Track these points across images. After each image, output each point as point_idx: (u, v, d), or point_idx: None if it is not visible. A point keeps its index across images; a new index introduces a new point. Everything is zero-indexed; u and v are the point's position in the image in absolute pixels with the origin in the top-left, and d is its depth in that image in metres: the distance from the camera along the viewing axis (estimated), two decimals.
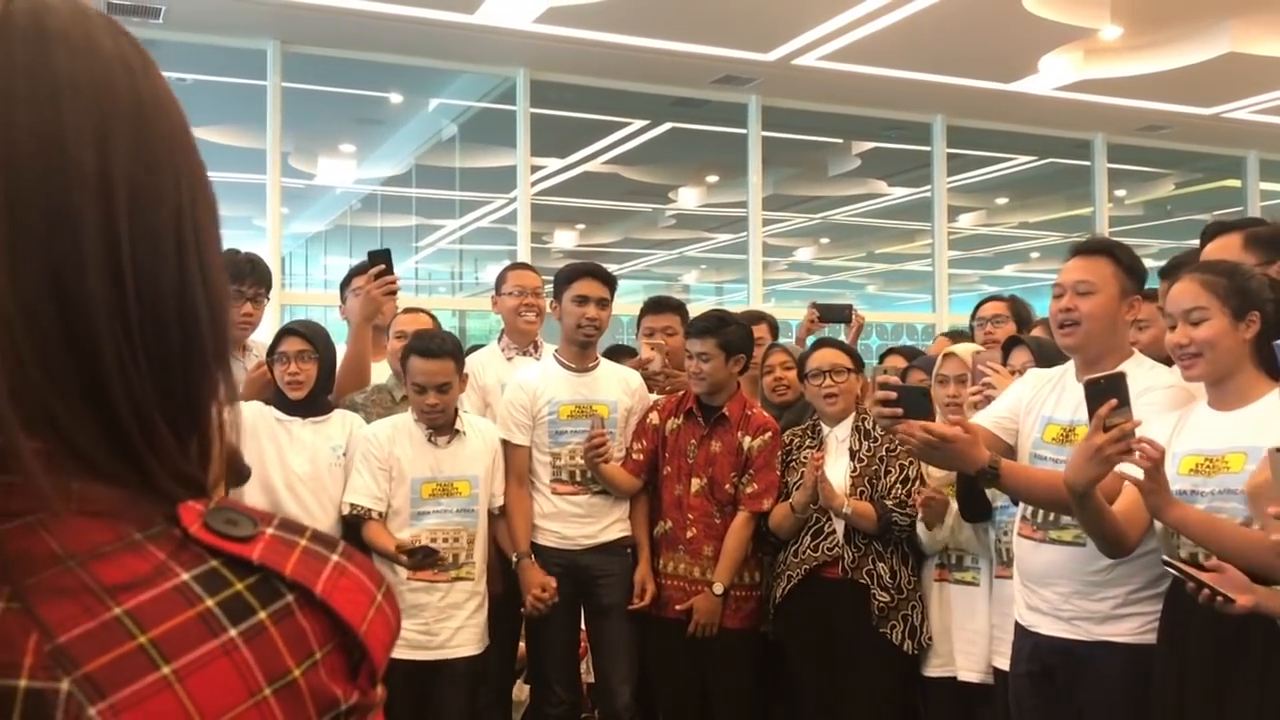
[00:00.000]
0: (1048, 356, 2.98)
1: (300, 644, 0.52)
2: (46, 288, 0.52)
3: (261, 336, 3.81)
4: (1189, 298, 2.33)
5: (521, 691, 4.09)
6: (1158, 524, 2.34)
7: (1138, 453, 2.18)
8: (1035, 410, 2.73)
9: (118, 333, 0.53)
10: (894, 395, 2.41)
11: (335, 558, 0.55)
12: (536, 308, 3.96)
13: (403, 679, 3.37)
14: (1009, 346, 3.35)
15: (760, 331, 4.09)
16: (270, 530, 0.55)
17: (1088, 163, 9.23)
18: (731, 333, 3.59)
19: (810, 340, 4.65)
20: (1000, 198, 10.67)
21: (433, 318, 3.78)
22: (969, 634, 3.29)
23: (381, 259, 3.56)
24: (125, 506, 0.53)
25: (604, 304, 3.67)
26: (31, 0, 0.56)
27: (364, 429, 3.47)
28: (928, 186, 8.85)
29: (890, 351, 4.28)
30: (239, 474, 0.92)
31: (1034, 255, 12.20)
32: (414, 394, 3.39)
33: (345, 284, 3.93)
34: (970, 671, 3.28)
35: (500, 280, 4.01)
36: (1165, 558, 2.24)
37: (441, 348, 3.38)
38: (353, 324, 3.67)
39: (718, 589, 3.49)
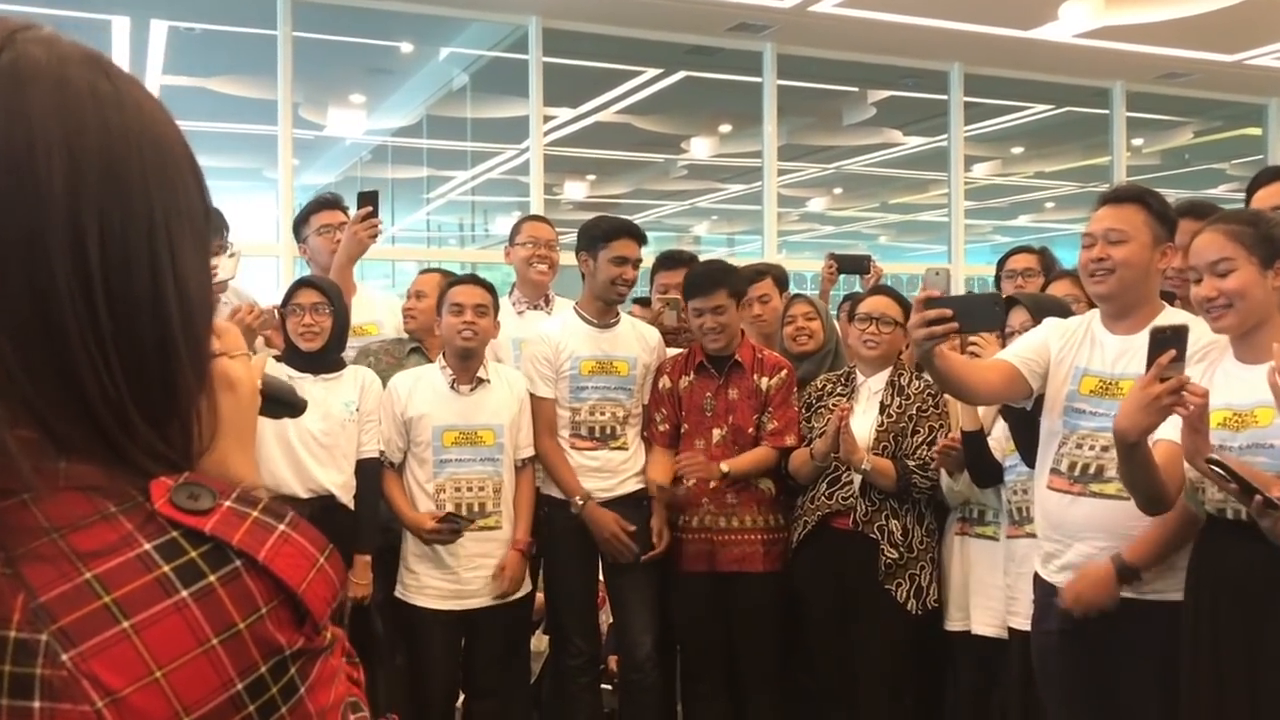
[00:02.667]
0: (1046, 314, 2.94)
1: (246, 601, 0.61)
2: (25, 300, 0.61)
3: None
4: (1214, 249, 2.28)
5: (540, 642, 4.12)
6: (1189, 475, 2.32)
7: (1186, 403, 2.14)
8: (1067, 360, 2.68)
9: (89, 340, 0.63)
10: (946, 311, 2.34)
11: (281, 527, 0.65)
12: (549, 260, 3.96)
13: (441, 629, 3.43)
14: (1006, 307, 3.31)
15: (765, 288, 4.04)
16: (228, 503, 0.64)
17: (1106, 111, 9.11)
18: (736, 278, 3.62)
19: (834, 292, 4.63)
20: (1016, 147, 10.55)
21: (446, 274, 3.79)
22: (988, 589, 3.28)
23: (369, 200, 3.59)
24: (105, 483, 0.63)
25: (638, 264, 3.68)
26: (14, 50, 0.64)
27: (377, 382, 3.48)
28: (944, 136, 8.75)
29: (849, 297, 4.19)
30: (294, 407, 0.97)
31: (1049, 205, 12.09)
32: (451, 317, 3.40)
33: (300, 223, 3.95)
34: (986, 626, 3.28)
35: (514, 231, 4.02)
36: (1212, 456, 2.17)
37: (477, 279, 3.52)
38: (336, 263, 3.67)
39: (724, 467, 3.49)
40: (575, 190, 10.70)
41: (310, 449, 3.31)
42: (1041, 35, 7.59)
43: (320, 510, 3.23)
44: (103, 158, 0.64)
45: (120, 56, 7.62)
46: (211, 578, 0.60)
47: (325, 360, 3.39)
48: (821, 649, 3.52)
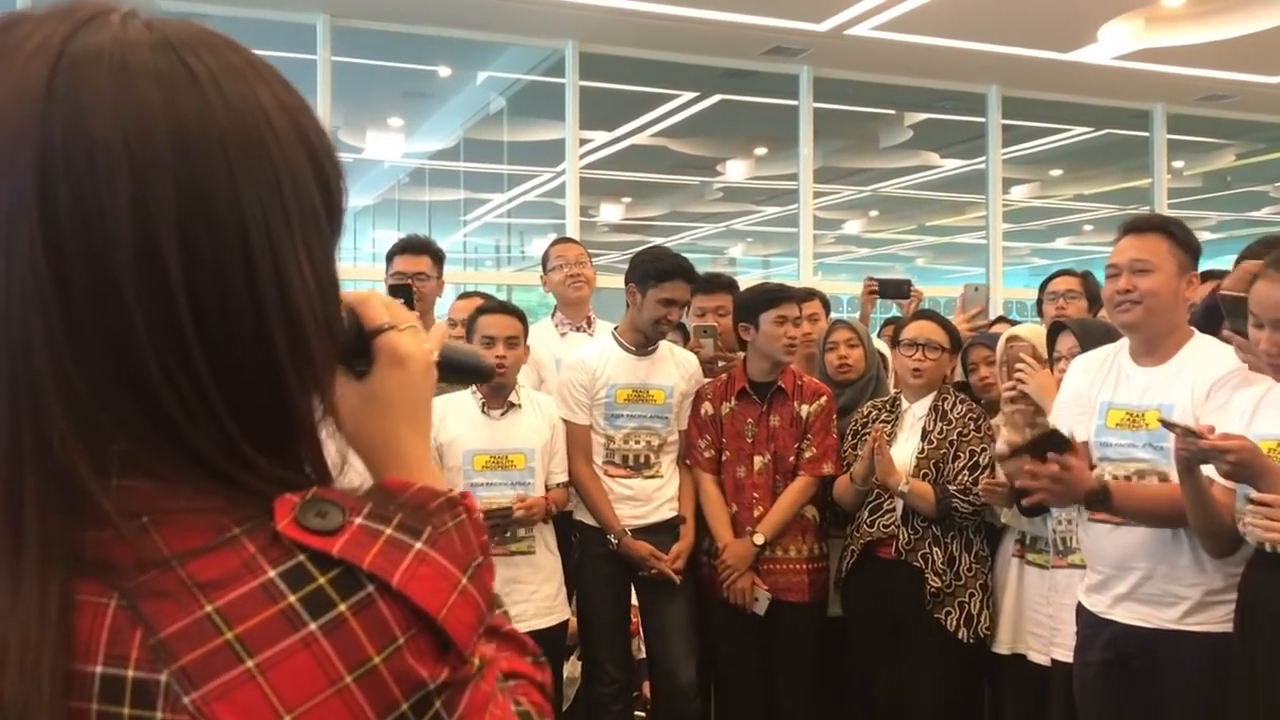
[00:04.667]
0: (1093, 339, 2.90)
1: (382, 632, 0.56)
2: (99, 345, 0.56)
3: None
4: (1278, 307, 2.21)
5: (574, 669, 4.09)
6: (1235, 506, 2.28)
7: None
8: (1094, 398, 2.66)
9: (177, 374, 0.57)
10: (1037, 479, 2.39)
11: (419, 546, 0.59)
12: (583, 276, 4.00)
13: None
14: (1054, 332, 3.28)
15: (815, 308, 4.03)
16: (359, 520, 0.58)
17: (1146, 134, 9.02)
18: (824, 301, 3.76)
19: (874, 316, 4.60)
20: (1054, 169, 10.47)
21: (486, 298, 3.80)
22: (1041, 615, 3.23)
23: (400, 294, 3.56)
24: (228, 505, 0.58)
25: (686, 305, 3.70)
26: (72, 57, 0.58)
27: None
28: (981, 158, 8.69)
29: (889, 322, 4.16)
30: (480, 373, 0.95)
31: (1087, 228, 11.98)
32: (482, 349, 3.38)
33: (387, 260, 3.88)
34: (1040, 654, 3.23)
35: (545, 259, 4.08)
36: (1163, 417, 2.20)
37: (508, 307, 3.50)
38: None
39: (757, 539, 3.48)
40: (611, 212, 10.73)
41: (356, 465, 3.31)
42: (1080, 58, 7.54)
43: None
44: (177, 159, 0.58)
45: None
46: (342, 607, 0.55)
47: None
48: (872, 684, 3.46)
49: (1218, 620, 2.44)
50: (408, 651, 0.56)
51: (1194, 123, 9.17)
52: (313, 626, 0.54)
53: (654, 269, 3.61)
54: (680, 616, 3.58)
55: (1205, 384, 2.45)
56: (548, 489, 3.51)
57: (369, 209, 10.36)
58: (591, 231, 9.00)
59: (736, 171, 10.19)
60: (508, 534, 3.39)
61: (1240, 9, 6.73)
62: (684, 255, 3.70)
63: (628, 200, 11.10)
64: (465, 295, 3.87)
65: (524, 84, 8.36)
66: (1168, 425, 2.20)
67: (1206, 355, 2.55)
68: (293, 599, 0.55)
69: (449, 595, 0.58)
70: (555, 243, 4.11)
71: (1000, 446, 3.22)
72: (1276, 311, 2.18)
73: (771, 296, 3.58)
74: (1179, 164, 9.72)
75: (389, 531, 0.58)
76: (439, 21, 7.02)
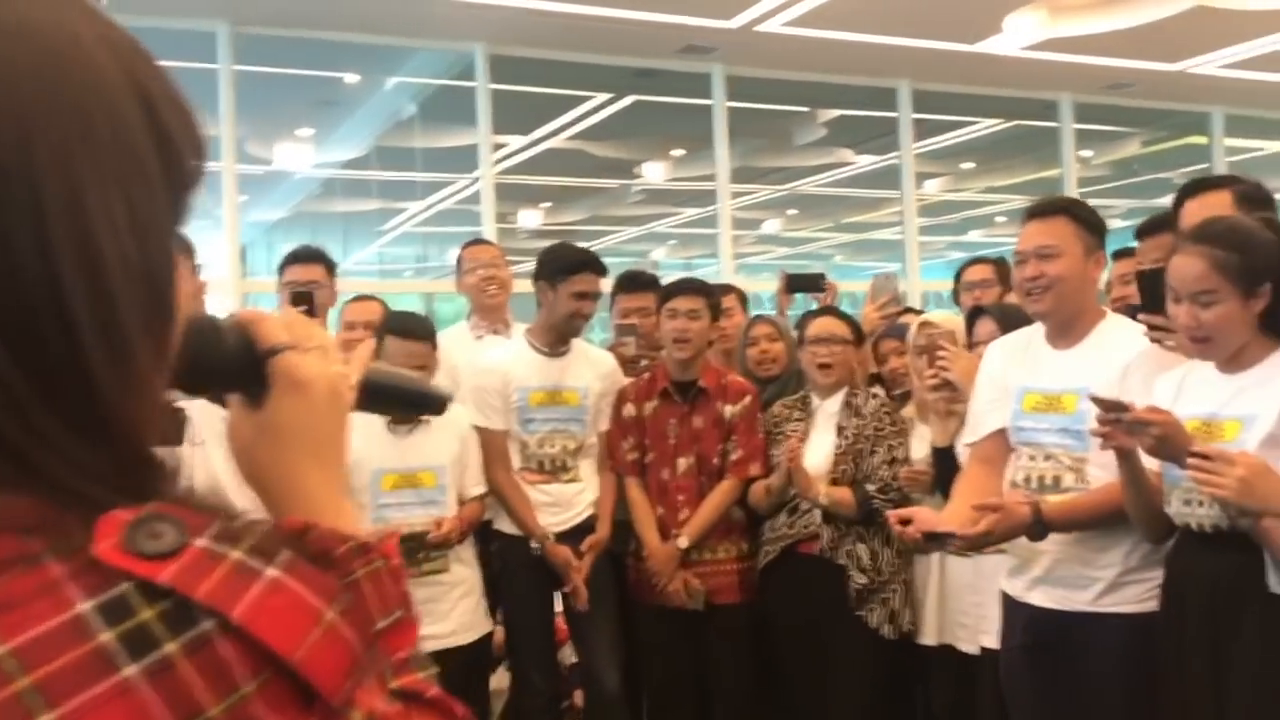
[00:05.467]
0: (1013, 323, 2.90)
1: (221, 678, 0.46)
2: None
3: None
4: (1198, 279, 2.17)
5: (501, 680, 4.00)
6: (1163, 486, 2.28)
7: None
8: (1011, 382, 2.65)
9: None
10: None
11: (271, 572, 0.49)
12: (498, 279, 3.90)
13: None
14: (972, 318, 3.28)
15: (730, 302, 4.00)
16: (200, 541, 0.48)
17: (1055, 124, 9.17)
18: (715, 297, 3.57)
19: (792, 313, 4.57)
20: (966, 162, 10.61)
21: (384, 305, 3.67)
22: (968, 604, 3.22)
23: (304, 300, 3.49)
24: (34, 513, 0.48)
25: (597, 298, 3.60)
26: None
27: None
28: (895, 153, 8.76)
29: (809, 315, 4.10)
30: (426, 404, 0.82)
31: (1000, 219, 12.17)
32: None
33: (279, 270, 3.78)
34: (968, 644, 3.21)
35: (459, 261, 3.98)
36: (1091, 394, 2.19)
37: (421, 329, 3.32)
38: None
39: (681, 542, 3.42)
40: (530, 218, 10.63)
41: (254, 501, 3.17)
42: (988, 49, 7.62)
43: None
44: None
45: None
46: (170, 646, 0.45)
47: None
48: (795, 678, 3.42)
49: (1133, 600, 2.45)
50: (257, 701, 0.46)
51: (1100, 112, 9.34)
52: (131, 670, 0.44)
53: (562, 263, 3.53)
54: (606, 622, 3.52)
55: (1118, 365, 2.45)
56: (462, 503, 3.41)
57: (281, 222, 10.15)
58: (512, 238, 8.90)
59: (655, 173, 10.16)
60: (419, 555, 3.27)
61: None
62: (606, 258, 3.63)
63: (547, 205, 11.01)
64: (359, 298, 3.73)
65: (435, 89, 8.24)
66: (1095, 401, 2.19)
67: (1119, 336, 2.55)
68: (107, 636, 0.44)
69: (309, 631, 0.48)
70: (468, 245, 4.02)
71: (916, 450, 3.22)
72: (1196, 284, 2.17)
73: (666, 290, 3.59)
74: (1087, 153, 9.90)
75: (236, 554, 0.48)
76: (345, 27, 6.87)
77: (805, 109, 9.31)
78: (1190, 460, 2.02)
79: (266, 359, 0.69)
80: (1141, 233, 2.99)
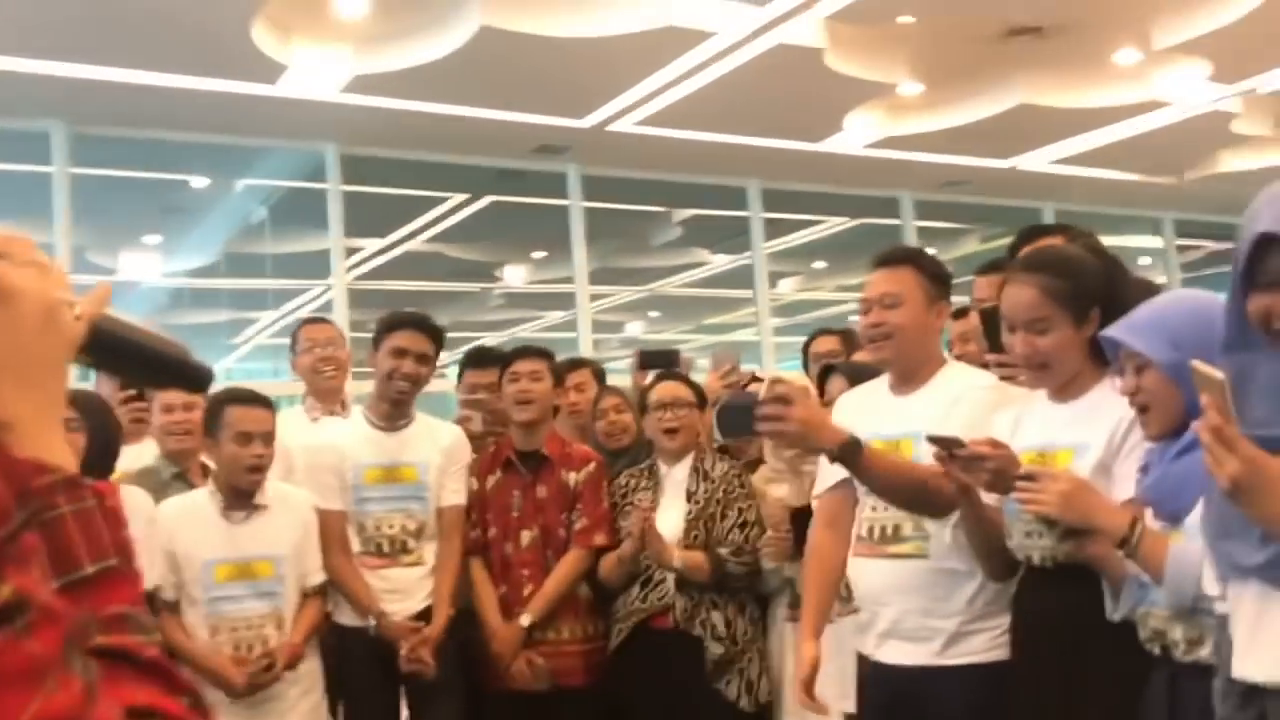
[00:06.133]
0: (863, 379, 2.92)
1: None
2: None
3: None
4: (1029, 307, 2.21)
5: None
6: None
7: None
8: (859, 433, 2.65)
9: None
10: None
11: None
12: (335, 360, 3.76)
13: None
14: (824, 376, 3.30)
15: (582, 377, 3.95)
16: None
17: (897, 221, 9.54)
18: (554, 360, 3.53)
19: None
20: (817, 261, 10.92)
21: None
22: (829, 671, 3.15)
23: (134, 384, 3.33)
24: None
25: (424, 359, 3.39)
26: None
27: (151, 506, 3.13)
28: (748, 253, 8.96)
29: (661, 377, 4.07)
30: (171, 369, 0.70)
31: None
32: (236, 447, 3.07)
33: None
34: (849, 700, 3.14)
35: (293, 340, 3.83)
36: (928, 433, 2.14)
37: (259, 396, 3.16)
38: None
39: (524, 619, 3.27)
40: None
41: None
42: (831, 148, 7.93)
43: None
44: None
45: None
46: None
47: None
48: None
49: (979, 650, 2.42)
50: None
51: (939, 209, 9.78)
52: None
53: (382, 324, 3.44)
54: (450, 716, 3.32)
55: (947, 403, 2.47)
56: (305, 594, 3.21)
57: None
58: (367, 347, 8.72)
59: (516, 276, 10.16)
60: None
61: (970, 97, 7.24)
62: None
63: (409, 311, 10.88)
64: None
65: (286, 191, 8.12)
66: (931, 440, 2.18)
67: (959, 381, 2.58)
68: None
69: None
70: (305, 323, 3.89)
71: (775, 494, 3.18)
72: (1026, 311, 2.21)
73: (505, 358, 3.53)
74: (930, 251, 10.29)
75: None
76: (189, 126, 6.75)
77: (661, 209, 9.48)
78: (1017, 483, 2.04)
79: None
80: (979, 272, 3.06)
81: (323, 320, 3.91)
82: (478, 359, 3.82)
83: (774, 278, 9.68)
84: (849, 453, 2.29)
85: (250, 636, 3.09)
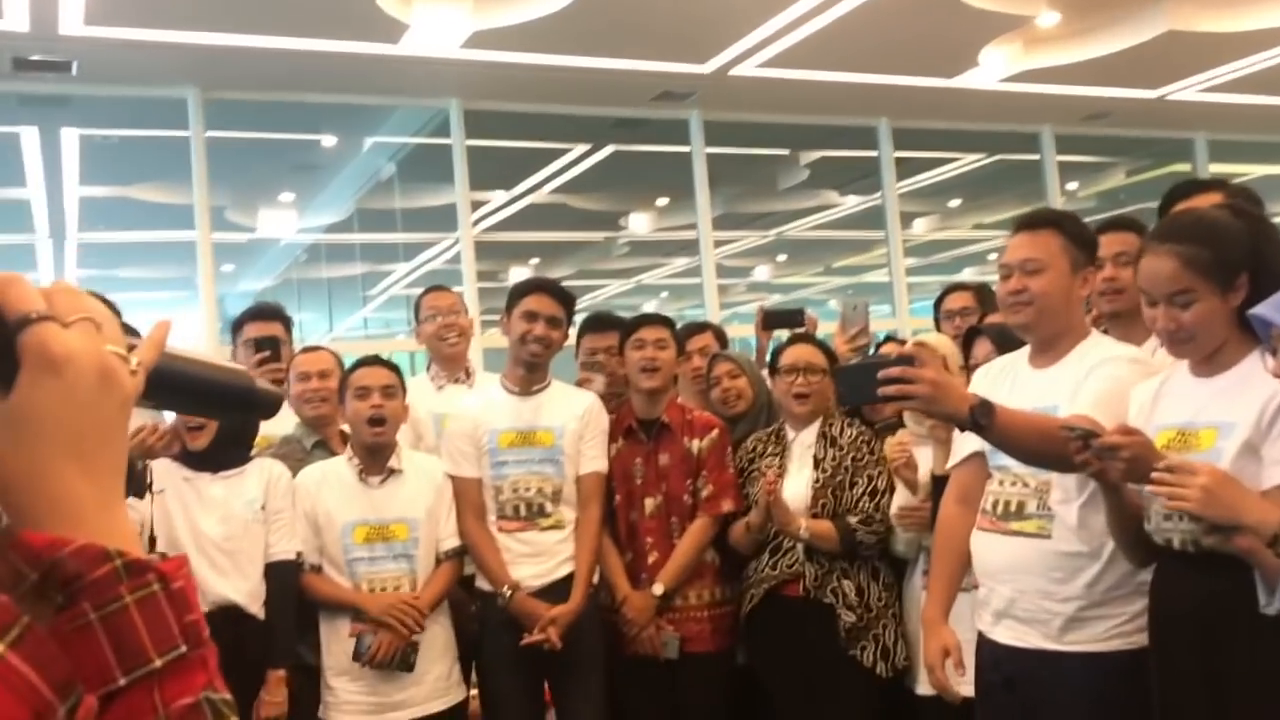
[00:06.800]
0: (1011, 345, 2.78)
1: None
2: None
3: None
4: (1170, 280, 2.05)
5: None
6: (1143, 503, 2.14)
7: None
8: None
9: None
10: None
11: None
12: (457, 327, 3.79)
13: None
14: (969, 339, 3.17)
15: (705, 341, 3.89)
16: None
17: (1037, 157, 9.14)
18: (675, 327, 3.51)
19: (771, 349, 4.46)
20: (953, 200, 10.57)
21: (335, 355, 3.57)
22: (964, 644, 3.06)
23: (269, 345, 3.43)
24: None
25: (555, 322, 3.37)
26: None
27: (288, 477, 3.23)
28: (879, 194, 8.72)
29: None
30: (250, 400, 0.68)
31: (991, 257, 12.12)
32: (355, 401, 3.17)
33: (234, 331, 3.67)
34: (967, 684, 3.05)
35: (416, 309, 3.87)
36: (1063, 423, 2.01)
37: (379, 359, 3.29)
38: None
39: (656, 589, 3.27)
40: (520, 275, 10.59)
41: (209, 556, 3.03)
42: (965, 83, 7.60)
43: (223, 624, 2.90)
44: None
45: (33, 168, 7.44)
46: None
47: (223, 456, 3.13)
48: None
49: (1099, 638, 2.30)
50: None
51: (1082, 143, 9.32)
52: None
53: (514, 290, 3.44)
54: (587, 684, 3.30)
55: (1085, 377, 2.33)
56: (439, 559, 3.27)
57: (270, 290, 10.08)
58: (500, 297, 8.82)
59: (640, 225, 10.11)
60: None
61: (1112, 25, 6.83)
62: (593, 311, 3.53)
63: (535, 261, 10.97)
64: (309, 349, 3.61)
65: (412, 148, 8.21)
66: (1065, 429, 2.05)
67: (1095, 350, 2.43)
68: None
69: None
70: (427, 292, 3.92)
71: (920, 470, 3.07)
72: (1167, 285, 2.06)
73: (626, 324, 3.51)
74: (1072, 186, 9.86)
75: None
76: (317, 88, 6.85)
77: (786, 152, 9.28)
78: (1154, 475, 1.90)
79: (16, 332, 0.56)
80: (1102, 230, 2.87)
81: (443, 289, 3.93)
82: (597, 323, 3.80)
83: (907, 218, 9.40)
84: (981, 415, 2.13)
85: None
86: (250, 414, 0.74)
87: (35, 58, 5.94)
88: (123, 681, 0.47)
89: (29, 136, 7.17)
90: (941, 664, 2.53)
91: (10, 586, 0.45)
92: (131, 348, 0.61)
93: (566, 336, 3.49)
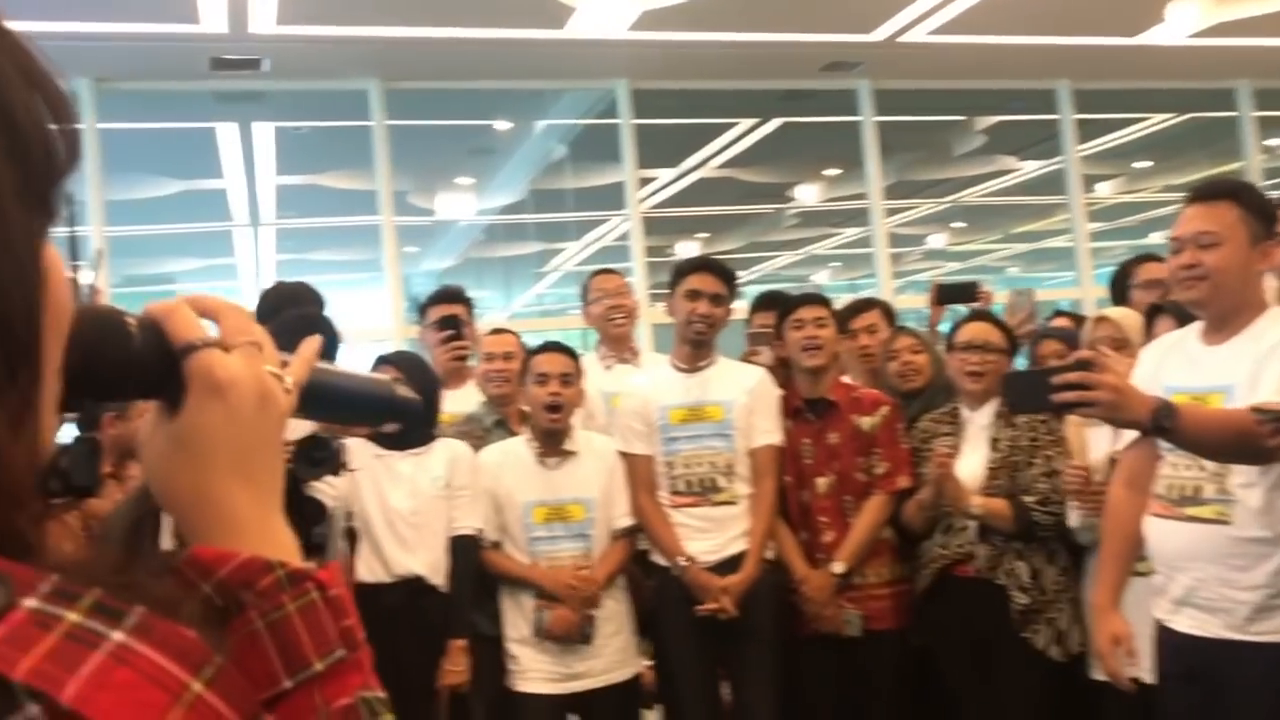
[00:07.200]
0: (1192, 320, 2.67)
1: None
2: None
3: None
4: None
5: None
6: None
7: None
8: (1160, 382, 2.41)
9: None
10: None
11: (117, 637, 0.40)
12: (624, 308, 3.88)
13: (548, 714, 3.28)
14: (1151, 315, 3.04)
15: (872, 318, 3.84)
16: (30, 603, 0.39)
17: (1233, 113, 8.61)
18: (832, 306, 3.50)
19: (943, 324, 4.37)
20: (1140, 161, 10.08)
21: (518, 338, 3.70)
22: (1144, 629, 2.97)
23: (452, 324, 3.57)
24: None
25: (718, 300, 3.40)
26: None
27: (471, 456, 3.38)
28: (1060, 157, 8.39)
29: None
30: (403, 410, 0.72)
31: None
32: (536, 387, 3.30)
33: (421, 313, 3.83)
34: (1141, 670, 2.96)
35: (584, 291, 3.98)
36: (1255, 407, 1.93)
37: (560, 345, 3.41)
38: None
39: (836, 568, 3.27)
40: (688, 250, 10.66)
41: (397, 530, 3.19)
42: (1150, 40, 7.22)
43: (407, 595, 3.09)
44: None
45: (230, 160, 7.92)
46: None
47: (412, 435, 3.31)
48: (958, 709, 3.24)
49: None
50: None
51: None
52: None
53: (676, 270, 3.48)
54: (763, 660, 3.32)
55: (1262, 354, 2.21)
56: (614, 536, 3.37)
57: (452, 270, 10.45)
58: (664, 271, 8.92)
59: (809, 195, 10.03)
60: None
61: None
62: (766, 284, 3.54)
63: (704, 236, 11.01)
64: (496, 331, 3.77)
65: (582, 128, 8.36)
66: (1255, 411, 1.97)
67: (1274, 327, 2.31)
68: None
69: (163, 711, 0.39)
70: (594, 274, 4.02)
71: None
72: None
73: (787, 303, 3.51)
74: (1273, 142, 9.25)
75: (72, 618, 0.39)
76: (489, 74, 7.04)
77: (960, 118, 9.03)
78: None
79: (181, 358, 0.60)
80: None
81: (610, 271, 4.03)
82: (766, 302, 3.83)
83: (1089, 181, 9.02)
84: (1165, 418, 2.08)
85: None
86: (392, 421, 0.79)
87: (230, 57, 6.32)
88: (289, 684, 0.51)
89: (225, 131, 7.64)
90: (1112, 651, 2.47)
91: (183, 598, 0.48)
92: (284, 364, 0.66)
93: (730, 312, 3.51)
